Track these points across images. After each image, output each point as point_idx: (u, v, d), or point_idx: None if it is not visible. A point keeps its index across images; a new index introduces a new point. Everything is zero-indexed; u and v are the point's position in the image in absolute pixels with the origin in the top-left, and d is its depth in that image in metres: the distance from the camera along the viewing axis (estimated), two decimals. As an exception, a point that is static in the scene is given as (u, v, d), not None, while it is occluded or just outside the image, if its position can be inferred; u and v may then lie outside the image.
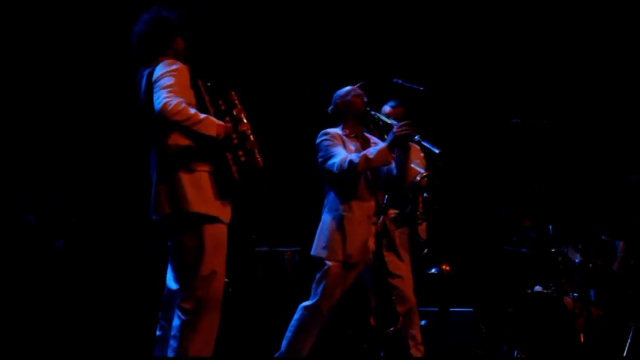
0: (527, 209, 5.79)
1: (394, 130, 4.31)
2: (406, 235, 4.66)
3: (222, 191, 3.68)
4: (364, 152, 4.33)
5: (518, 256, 5.87)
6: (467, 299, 5.94)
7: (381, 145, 4.36)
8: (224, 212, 3.70)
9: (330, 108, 4.65)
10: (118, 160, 6.01)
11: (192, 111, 3.52)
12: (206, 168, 3.67)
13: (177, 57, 3.74)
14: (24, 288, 5.50)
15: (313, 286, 4.40)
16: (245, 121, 3.76)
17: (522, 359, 5.43)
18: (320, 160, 4.47)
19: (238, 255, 5.61)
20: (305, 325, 4.37)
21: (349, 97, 4.56)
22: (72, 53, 6.05)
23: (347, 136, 4.54)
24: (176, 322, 3.62)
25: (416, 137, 4.32)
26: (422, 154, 4.74)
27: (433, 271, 4.57)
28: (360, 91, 4.58)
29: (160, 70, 3.58)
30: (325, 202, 4.53)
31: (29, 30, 5.96)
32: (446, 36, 6.94)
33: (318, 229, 4.48)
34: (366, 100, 4.55)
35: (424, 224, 4.67)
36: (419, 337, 4.53)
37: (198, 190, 3.63)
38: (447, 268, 4.55)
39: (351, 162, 4.29)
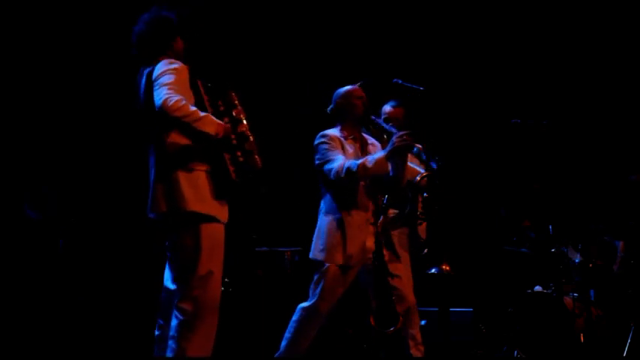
0: (527, 209, 5.79)
1: (393, 139, 4.24)
2: (406, 235, 4.65)
3: (220, 191, 3.67)
4: (362, 160, 4.26)
5: (518, 256, 5.87)
6: (467, 299, 5.94)
7: (380, 153, 4.29)
8: (221, 212, 3.69)
9: (329, 107, 4.61)
10: (117, 160, 6.01)
11: (193, 108, 3.51)
12: (204, 167, 3.67)
13: (177, 57, 3.74)
14: (24, 288, 5.51)
15: (311, 287, 4.37)
16: (245, 122, 3.75)
17: (522, 359, 5.43)
18: (317, 162, 4.42)
19: (238, 255, 5.61)
20: (303, 326, 4.35)
21: (351, 100, 4.51)
22: (72, 53, 6.04)
23: (345, 138, 4.49)
24: (174, 322, 3.61)
25: (414, 149, 4.31)
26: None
27: (433, 271, 4.57)
28: (361, 93, 4.52)
29: (160, 68, 3.58)
30: (322, 203, 4.48)
31: (29, 30, 5.96)
32: (446, 36, 6.94)
33: (316, 231, 4.45)
34: (367, 103, 4.50)
35: (424, 224, 4.66)
36: (419, 337, 4.52)
37: (196, 189, 3.62)
38: (447, 268, 4.54)
39: (349, 170, 4.24)
